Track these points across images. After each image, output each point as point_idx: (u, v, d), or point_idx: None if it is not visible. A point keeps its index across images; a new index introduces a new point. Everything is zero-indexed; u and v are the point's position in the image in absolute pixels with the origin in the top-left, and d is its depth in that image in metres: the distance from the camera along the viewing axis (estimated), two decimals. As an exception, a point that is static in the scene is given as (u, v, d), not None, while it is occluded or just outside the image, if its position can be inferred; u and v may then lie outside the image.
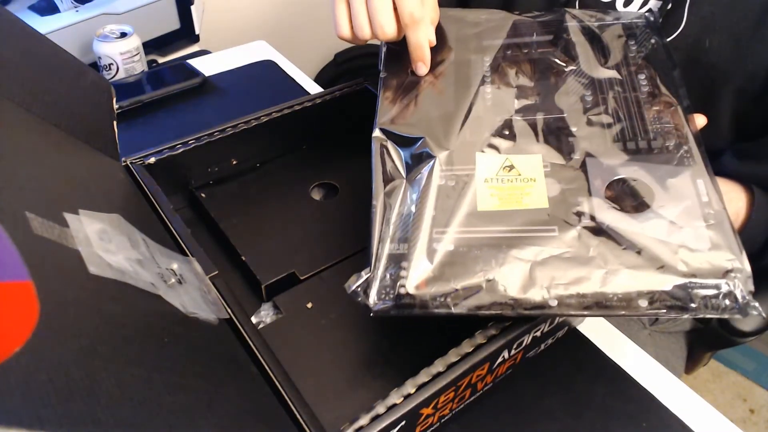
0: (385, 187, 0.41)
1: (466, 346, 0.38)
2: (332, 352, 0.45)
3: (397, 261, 0.37)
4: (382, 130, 0.45)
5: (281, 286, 0.49)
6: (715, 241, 0.36)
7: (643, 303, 0.34)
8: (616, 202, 0.39)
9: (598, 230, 0.37)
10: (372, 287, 0.37)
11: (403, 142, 0.44)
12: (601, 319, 0.54)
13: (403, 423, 0.36)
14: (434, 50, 0.50)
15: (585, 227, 0.38)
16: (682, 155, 0.40)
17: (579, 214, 0.38)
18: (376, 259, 0.38)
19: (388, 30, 0.47)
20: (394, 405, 0.35)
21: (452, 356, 0.38)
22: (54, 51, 0.43)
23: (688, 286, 0.34)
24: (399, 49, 0.50)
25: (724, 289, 0.34)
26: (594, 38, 0.50)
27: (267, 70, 0.87)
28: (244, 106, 0.79)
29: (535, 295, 0.35)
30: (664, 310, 0.34)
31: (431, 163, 0.42)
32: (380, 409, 0.35)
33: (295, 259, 0.50)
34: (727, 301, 0.34)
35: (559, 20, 0.52)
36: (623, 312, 0.35)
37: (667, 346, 0.71)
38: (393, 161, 0.43)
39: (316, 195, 0.59)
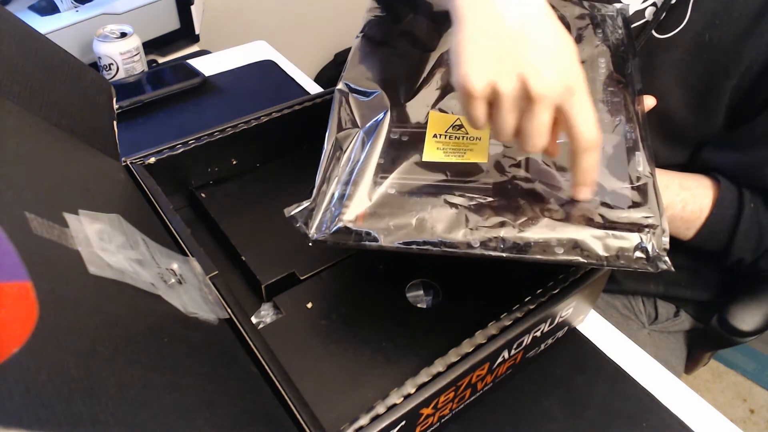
0: (338, 132, 0.44)
1: (466, 346, 0.38)
2: (332, 352, 0.45)
3: (340, 200, 0.40)
4: (346, 84, 0.48)
5: (281, 286, 0.49)
6: (636, 200, 0.38)
7: (560, 250, 0.37)
8: (552, 162, 0.42)
9: (528, 183, 0.40)
10: (313, 220, 0.39)
11: (363, 95, 0.47)
12: (601, 319, 0.54)
13: (403, 423, 0.36)
14: (408, 24, 0.53)
15: (516, 180, 0.40)
16: (625, 130, 0.44)
17: (514, 169, 0.41)
18: (319, 194, 0.41)
19: (539, 149, 0.37)
20: (394, 405, 0.35)
21: (452, 356, 0.38)
22: (54, 51, 0.43)
23: (603, 237, 0.36)
24: (380, 13, 0.54)
25: (637, 241, 0.36)
26: (564, 25, 0.52)
27: (267, 70, 0.87)
28: (244, 106, 0.79)
29: (459, 235, 0.38)
30: (579, 258, 0.36)
31: (384, 114, 0.45)
32: (380, 409, 0.35)
33: (295, 259, 0.50)
34: (638, 254, 0.36)
35: None
36: (539, 256, 0.37)
37: (667, 346, 0.71)
38: (350, 111, 0.46)
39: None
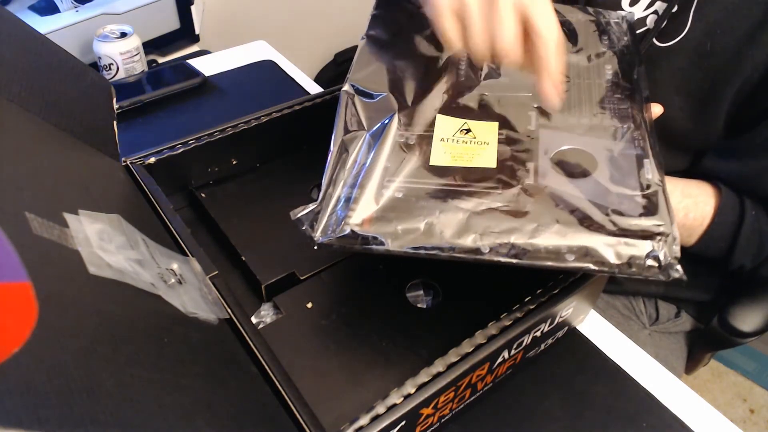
0: (344, 135, 0.44)
1: (466, 346, 0.38)
2: (332, 352, 0.45)
3: (347, 203, 0.40)
4: (352, 86, 0.47)
5: (281, 286, 0.49)
6: (647, 208, 0.38)
7: (570, 257, 0.36)
8: (560, 168, 0.41)
9: (538, 190, 0.40)
10: (319, 223, 0.39)
11: (369, 97, 0.47)
12: (601, 319, 0.54)
13: (403, 423, 0.36)
14: (414, 25, 0.53)
15: (526, 186, 0.40)
16: (633, 137, 0.43)
17: (523, 175, 0.41)
18: (325, 197, 0.40)
19: (511, 55, 0.40)
20: (394, 405, 0.35)
21: (452, 356, 0.38)
22: (54, 51, 0.43)
23: (614, 245, 0.36)
24: (385, 14, 0.53)
25: (648, 249, 0.36)
26: (569, 31, 0.53)
27: (267, 70, 0.87)
28: (244, 106, 0.79)
29: (468, 240, 0.37)
30: (591, 265, 0.36)
31: (391, 117, 0.45)
32: (380, 409, 0.35)
33: (295, 259, 0.50)
34: (650, 262, 0.36)
35: None
36: (550, 263, 0.36)
37: (667, 346, 0.71)
38: (357, 113, 0.45)
39: (316, 195, 0.59)
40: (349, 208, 0.39)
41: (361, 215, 0.39)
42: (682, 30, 0.54)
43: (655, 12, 0.56)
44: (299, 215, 0.39)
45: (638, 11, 0.57)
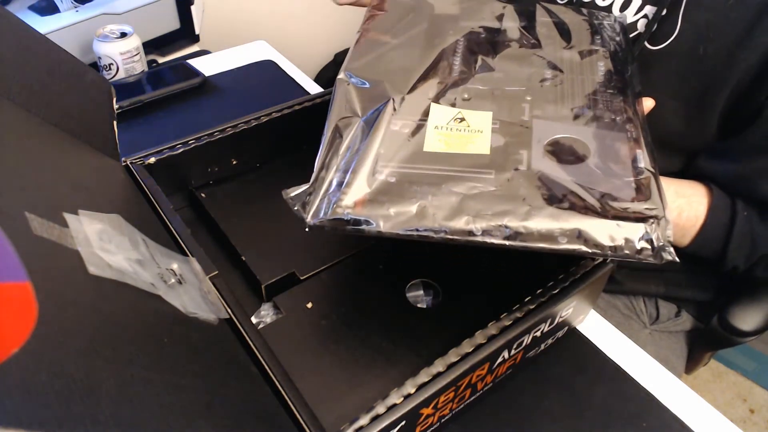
0: (338, 120, 0.44)
1: (466, 346, 0.38)
2: (332, 352, 0.45)
3: (339, 187, 0.40)
4: (347, 74, 0.48)
5: (281, 286, 0.49)
6: (639, 192, 0.38)
7: (563, 240, 0.36)
8: (554, 155, 0.42)
9: (531, 175, 0.40)
10: (311, 205, 0.39)
11: (364, 85, 0.47)
12: (601, 319, 0.54)
13: (403, 423, 0.36)
14: (411, 18, 0.54)
15: (519, 171, 0.40)
16: (626, 128, 0.44)
17: (516, 161, 0.41)
18: (317, 179, 0.40)
19: None
20: (394, 405, 0.35)
21: (452, 356, 0.38)
22: (54, 51, 0.43)
23: (607, 228, 0.36)
24: (377, 14, 0.55)
25: (641, 233, 0.36)
26: (563, 30, 0.54)
27: (267, 70, 0.87)
28: (244, 106, 0.79)
29: (461, 223, 0.37)
30: (583, 248, 0.36)
31: (385, 104, 0.45)
32: (380, 409, 0.35)
33: (295, 259, 0.50)
34: (643, 244, 0.36)
35: (533, 11, 0.56)
36: (543, 245, 0.36)
37: (667, 346, 0.71)
38: (351, 100, 0.46)
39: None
40: (341, 192, 0.39)
41: (353, 198, 0.39)
42: (672, 32, 0.54)
43: (645, 16, 0.56)
44: (291, 195, 0.39)
45: (629, 16, 0.57)
